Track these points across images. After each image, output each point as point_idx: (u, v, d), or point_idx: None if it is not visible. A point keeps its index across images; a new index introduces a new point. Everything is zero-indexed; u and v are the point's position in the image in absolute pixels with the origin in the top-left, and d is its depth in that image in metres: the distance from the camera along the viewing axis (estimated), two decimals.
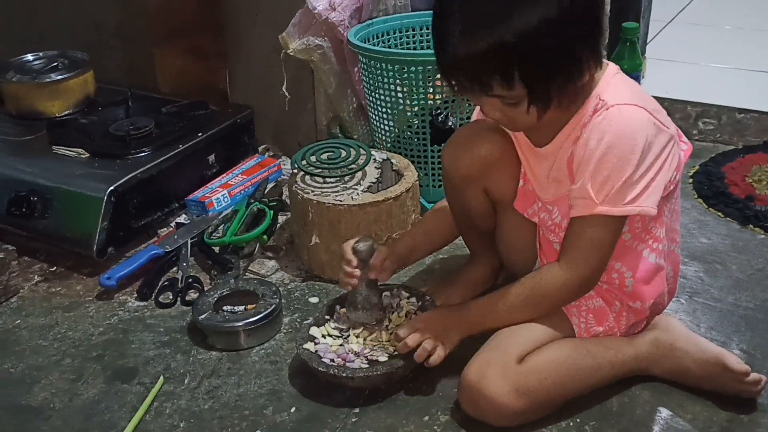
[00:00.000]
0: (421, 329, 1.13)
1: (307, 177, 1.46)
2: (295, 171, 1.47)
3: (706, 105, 1.96)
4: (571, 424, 1.10)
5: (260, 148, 1.91)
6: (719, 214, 1.62)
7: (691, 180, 1.75)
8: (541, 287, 1.10)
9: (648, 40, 2.35)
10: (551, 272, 1.09)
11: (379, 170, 1.49)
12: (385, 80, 1.60)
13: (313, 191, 1.42)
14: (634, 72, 1.88)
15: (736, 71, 2.27)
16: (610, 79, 1.07)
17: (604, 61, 1.09)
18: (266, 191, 1.69)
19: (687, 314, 1.31)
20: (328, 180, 1.45)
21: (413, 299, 1.28)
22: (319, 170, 1.45)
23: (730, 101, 1.97)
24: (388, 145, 1.69)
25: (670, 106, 1.97)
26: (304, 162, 1.46)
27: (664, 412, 1.12)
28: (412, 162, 1.59)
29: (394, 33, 1.78)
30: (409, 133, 1.65)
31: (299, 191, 1.42)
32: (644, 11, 2.07)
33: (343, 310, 1.26)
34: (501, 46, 0.95)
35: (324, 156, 1.48)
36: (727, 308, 1.33)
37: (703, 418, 1.10)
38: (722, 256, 1.47)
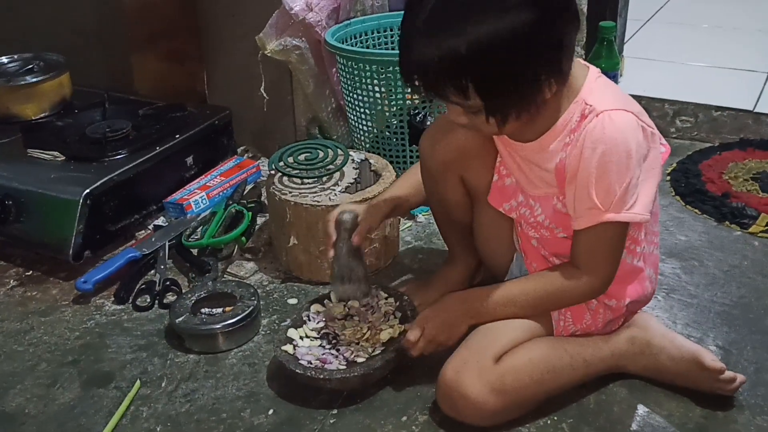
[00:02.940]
0: (428, 328, 1.12)
1: (285, 178, 1.45)
2: (273, 172, 1.47)
3: (683, 103, 1.98)
4: (548, 422, 1.11)
5: (239, 150, 1.90)
6: (696, 211, 1.63)
7: (668, 177, 1.76)
8: (563, 290, 1.10)
9: (626, 39, 2.36)
10: (572, 279, 1.09)
11: (357, 171, 1.49)
12: (363, 81, 1.60)
13: (290, 192, 1.41)
14: (611, 71, 1.88)
15: (713, 69, 2.29)
16: (593, 83, 1.07)
17: (585, 63, 1.10)
18: (245, 193, 1.69)
19: (664, 311, 1.32)
20: (305, 181, 1.45)
21: (391, 300, 1.28)
22: (297, 171, 1.45)
23: (706, 99, 1.98)
24: (367, 145, 1.69)
25: (648, 104, 1.98)
26: (281, 163, 1.46)
27: (640, 409, 1.12)
28: (391, 162, 1.59)
29: (372, 33, 1.78)
30: (387, 134, 1.65)
31: (276, 192, 1.42)
32: (621, 10, 2.07)
33: (315, 308, 1.27)
34: (455, 56, 0.93)
35: (301, 157, 1.48)
36: (703, 305, 1.34)
37: (679, 414, 1.11)
38: (699, 253, 1.49)
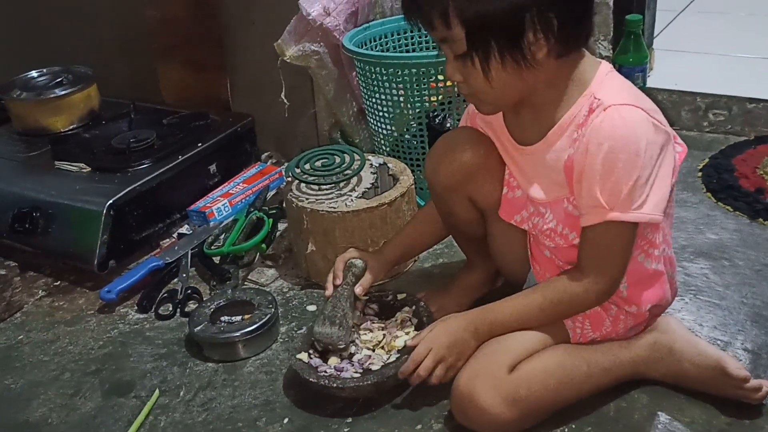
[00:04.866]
0: (436, 348, 1.09)
1: (302, 185, 1.45)
2: (290, 179, 1.47)
3: (715, 96, 1.91)
4: (566, 430, 1.08)
5: (264, 156, 1.91)
6: (728, 208, 1.57)
7: (699, 173, 1.70)
8: (569, 296, 1.07)
9: (659, 31, 2.30)
10: (576, 282, 1.06)
11: (375, 175, 1.48)
12: (382, 84, 1.59)
13: (307, 199, 1.41)
14: (640, 65, 1.84)
15: (748, 59, 2.20)
16: (603, 77, 1.04)
17: (596, 59, 1.07)
18: (267, 199, 1.69)
19: (690, 313, 1.28)
20: (323, 187, 1.44)
21: (406, 307, 1.26)
22: (314, 178, 1.44)
23: (740, 91, 1.91)
24: (388, 149, 1.68)
25: (679, 98, 1.93)
26: (298, 170, 1.46)
27: (662, 417, 1.09)
28: (412, 165, 1.58)
29: (392, 35, 1.76)
30: (407, 137, 1.63)
31: (294, 199, 1.42)
32: (649, 2, 2.01)
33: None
34: None
35: (318, 163, 1.48)
36: (732, 306, 1.29)
37: (702, 421, 1.07)
38: (730, 252, 1.44)
